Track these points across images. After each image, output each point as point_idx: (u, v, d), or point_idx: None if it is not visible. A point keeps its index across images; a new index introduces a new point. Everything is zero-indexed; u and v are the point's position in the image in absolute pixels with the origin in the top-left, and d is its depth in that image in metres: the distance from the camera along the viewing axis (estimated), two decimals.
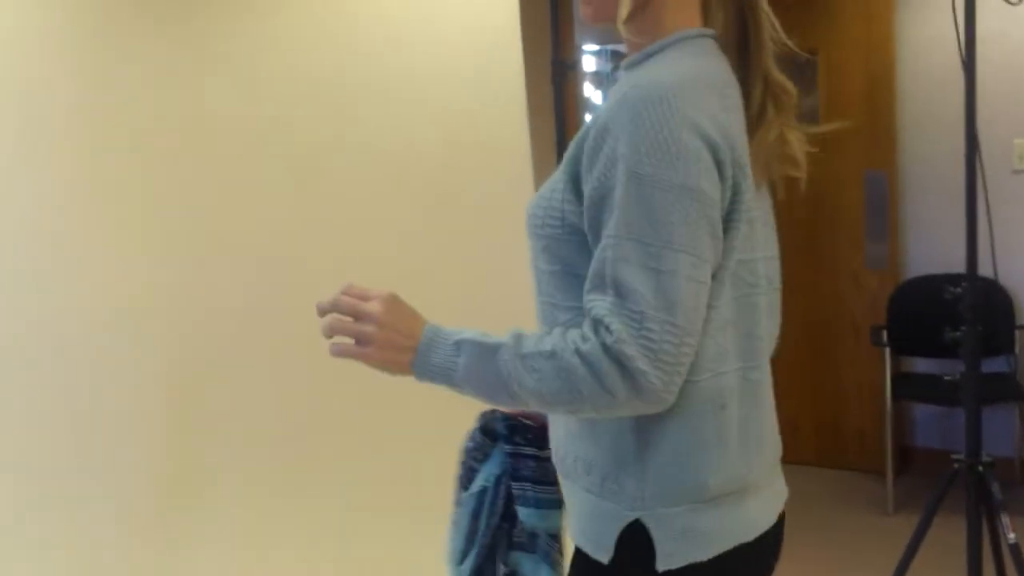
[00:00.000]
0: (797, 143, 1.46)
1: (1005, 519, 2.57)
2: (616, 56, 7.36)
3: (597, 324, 1.26)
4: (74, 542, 2.69)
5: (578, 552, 1.44)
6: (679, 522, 1.35)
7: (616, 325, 1.24)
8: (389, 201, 2.95)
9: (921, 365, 4.79)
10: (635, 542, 1.36)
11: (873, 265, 4.83)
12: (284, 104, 2.90)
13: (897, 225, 4.86)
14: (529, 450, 1.66)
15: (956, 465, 2.69)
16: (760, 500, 1.43)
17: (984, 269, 2.68)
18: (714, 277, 1.32)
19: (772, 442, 1.48)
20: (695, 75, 1.34)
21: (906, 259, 4.87)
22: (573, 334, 1.28)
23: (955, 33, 2.62)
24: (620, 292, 1.25)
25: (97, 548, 2.70)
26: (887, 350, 4.51)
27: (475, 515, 1.68)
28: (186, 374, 2.83)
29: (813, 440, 4.87)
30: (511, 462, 1.65)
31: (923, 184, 4.77)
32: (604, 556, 1.38)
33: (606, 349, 1.24)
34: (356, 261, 2.89)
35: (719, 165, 1.29)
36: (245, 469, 2.84)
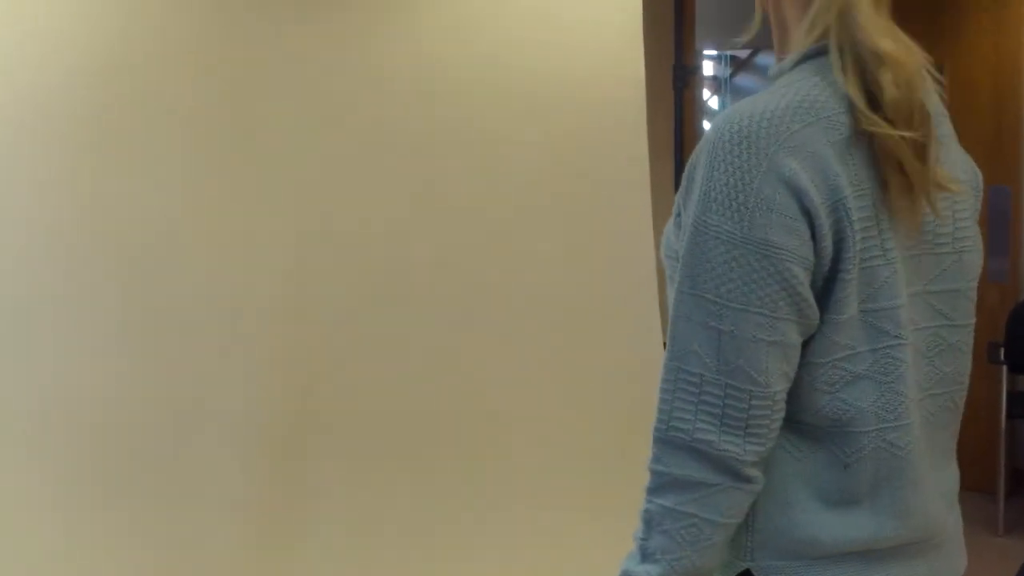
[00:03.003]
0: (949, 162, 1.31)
1: None
2: (735, 61, 7.31)
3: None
4: (189, 540, 2.74)
5: None
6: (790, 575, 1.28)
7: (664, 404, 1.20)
8: (507, 204, 2.96)
9: None
10: None
11: (994, 279, 4.73)
12: (407, 105, 2.91)
13: (1020, 240, 4.76)
14: None
15: None
16: (899, 568, 1.31)
17: None
18: (821, 332, 1.23)
19: (923, 513, 1.32)
20: (798, 103, 1.23)
21: None
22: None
23: None
24: (677, 354, 1.21)
25: (206, 546, 2.74)
26: (1004, 368, 4.42)
27: None
28: (300, 374, 2.87)
29: None
30: None
31: None
32: None
33: (659, 439, 1.21)
34: (472, 264, 2.92)
35: (807, 214, 1.19)
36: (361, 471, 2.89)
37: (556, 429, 2.87)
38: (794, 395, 1.26)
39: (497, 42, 2.97)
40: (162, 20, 2.76)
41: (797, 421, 1.27)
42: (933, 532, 1.35)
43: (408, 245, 2.90)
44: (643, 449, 1.26)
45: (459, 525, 2.89)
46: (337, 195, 2.89)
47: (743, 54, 6.86)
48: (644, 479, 1.27)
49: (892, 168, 1.23)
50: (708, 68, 6.41)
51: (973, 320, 1.40)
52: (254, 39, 2.84)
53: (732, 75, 6.99)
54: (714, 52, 6.59)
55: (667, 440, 1.21)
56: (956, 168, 1.35)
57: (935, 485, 1.35)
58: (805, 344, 1.23)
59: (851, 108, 1.23)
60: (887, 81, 1.23)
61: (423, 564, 2.86)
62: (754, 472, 1.21)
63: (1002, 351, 4.48)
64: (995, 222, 4.74)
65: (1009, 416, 4.43)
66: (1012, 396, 4.49)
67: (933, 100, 1.33)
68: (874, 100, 1.23)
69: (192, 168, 2.79)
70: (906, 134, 1.22)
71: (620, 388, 2.83)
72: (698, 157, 1.24)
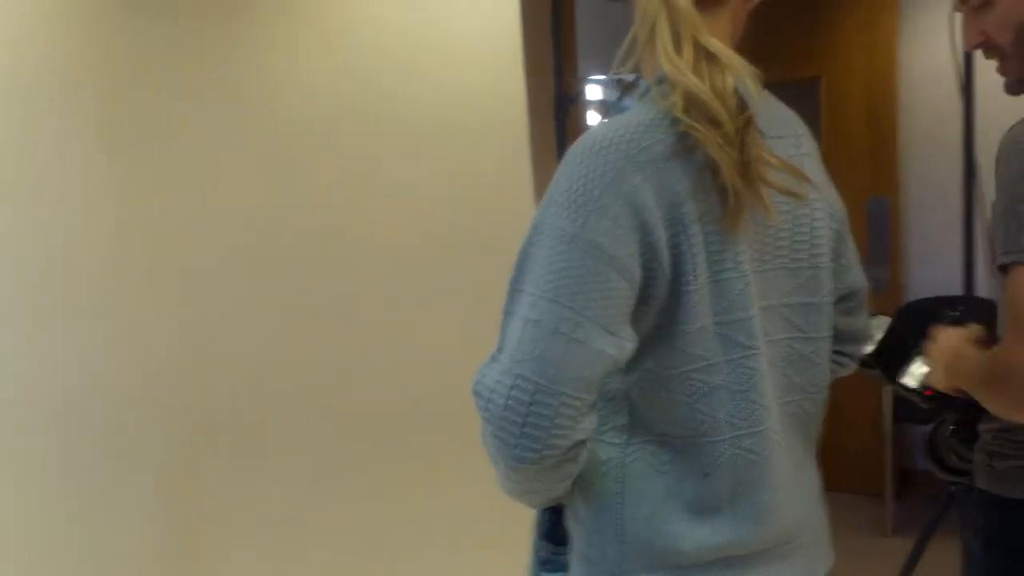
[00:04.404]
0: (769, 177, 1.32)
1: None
2: (621, 85, 7.43)
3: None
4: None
5: None
6: None
7: (485, 380, 1.23)
8: (389, 236, 2.96)
9: None
10: None
11: (875, 288, 4.88)
12: (288, 143, 2.91)
13: (899, 249, 4.92)
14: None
15: (952, 487, 2.72)
16: (764, 571, 1.37)
17: (983, 291, 2.73)
18: (672, 339, 1.27)
19: (785, 514, 1.38)
20: (650, 121, 1.28)
21: (908, 283, 4.93)
22: None
23: (954, 62, 2.68)
24: (499, 343, 1.24)
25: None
26: None
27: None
28: (197, 378, 2.85)
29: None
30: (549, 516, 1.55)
31: (924, 209, 4.83)
32: None
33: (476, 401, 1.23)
34: (353, 294, 2.93)
35: (643, 229, 1.23)
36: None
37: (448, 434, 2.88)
38: (653, 408, 1.30)
39: (373, 72, 2.96)
40: (47, 29, 2.73)
41: (658, 434, 1.31)
42: (796, 533, 1.40)
43: (287, 257, 2.89)
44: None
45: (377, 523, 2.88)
46: (218, 202, 2.86)
47: (630, 77, 6.99)
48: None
49: (717, 173, 1.27)
50: (597, 92, 6.49)
51: (828, 333, 1.46)
52: (132, 46, 2.81)
53: (619, 98, 7.10)
54: (602, 77, 6.69)
55: (483, 398, 1.23)
56: (807, 182, 1.39)
57: (796, 488, 1.41)
58: (659, 355, 1.27)
59: (673, 118, 1.27)
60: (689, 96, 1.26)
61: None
62: (523, 469, 1.21)
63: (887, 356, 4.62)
64: (874, 232, 4.89)
65: (895, 420, 4.56)
66: (898, 400, 4.62)
67: (775, 116, 1.40)
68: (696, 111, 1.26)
69: (66, 174, 2.79)
70: (717, 136, 1.25)
71: None
72: (556, 171, 1.28)
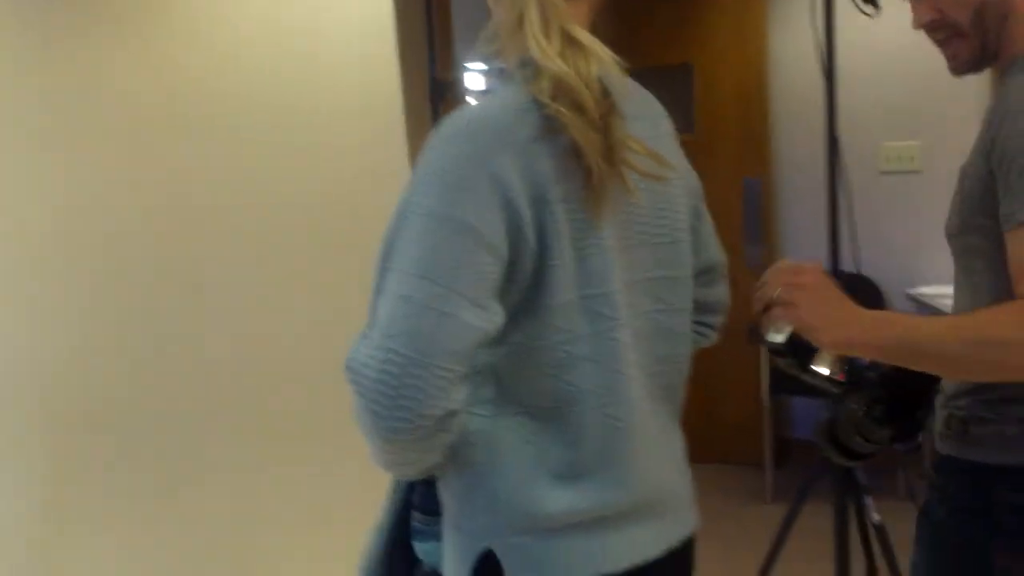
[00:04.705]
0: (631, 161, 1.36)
1: (869, 501, 2.74)
2: (503, 72, 7.46)
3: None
4: None
5: None
6: (528, 551, 1.35)
7: (357, 356, 1.24)
8: (261, 224, 2.91)
9: None
10: (489, 574, 1.35)
11: (751, 265, 5.03)
12: (156, 127, 2.84)
13: (773, 228, 5.09)
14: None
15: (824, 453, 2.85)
16: (632, 532, 1.41)
17: (850, 266, 2.85)
18: (538, 313, 1.30)
19: (650, 477, 1.43)
20: (509, 106, 1.31)
21: (782, 259, 5.09)
22: None
23: (816, 45, 2.79)
24: (369, 321, 1.25)
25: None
26: (763, 347, 4.70)
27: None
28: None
29: (694, 436, 5.03)
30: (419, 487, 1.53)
31: (795, 189, 5.01)
32: None
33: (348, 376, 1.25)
34: (231, 284, 2.88)
35: (509, 207, 1.26)
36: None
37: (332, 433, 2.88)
38: (520, 381, 1.34)
39: (251, 57, 2.91)
40: None
41: (525, 405, 1.35)
42: (662, 497, 1.46)
43: (159, 251, 2.83)
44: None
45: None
46: (82, 198, 2.77)
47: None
48: None
49: (581, 156, 1.31)
50: (479, 82, 6.51)
51: (689, 306, 1.52)
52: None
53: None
54: (482, 65, 6.71)
55: (354, 372, 1.24)
56: (668, 165, 1.42)
57: (661, 454, 1.47)
58: (526, 328, 1.31)
59: (538, 102, 1.29)
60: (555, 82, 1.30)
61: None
62: (396, 440, 1.23)
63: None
64: (749, 212, 5.04)
65: (772, 392, 4.72)
66: (774, 373, 4.78)
67: (635, 99, 1.43)
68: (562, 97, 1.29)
69: None
70: (580, 119, 1.29)
71: None
72: (421, 153, 1.31)
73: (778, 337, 1.52)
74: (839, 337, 1.45)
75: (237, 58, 2.89)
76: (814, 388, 1.62)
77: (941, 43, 1.62)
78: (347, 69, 2.96)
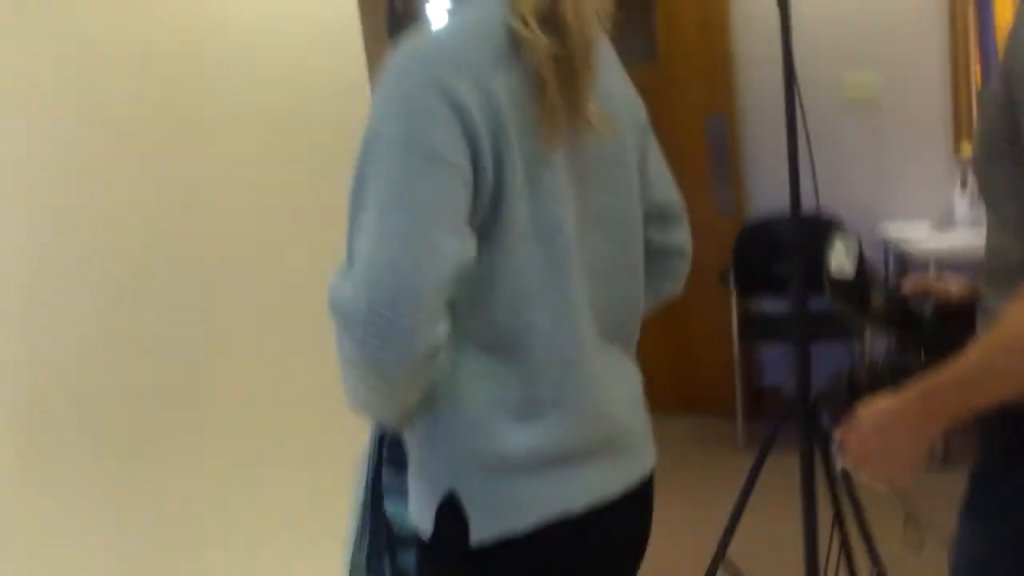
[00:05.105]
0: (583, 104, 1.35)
1: (835, 448, 2.64)
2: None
3: None
4: None
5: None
6: (489, 490, 1.34)
7: (341, 294, 1.25)
8: (224, 165, 2.81)
9: (768, 306, 4.91)
10: (452, 518, 1.35)
11: (723, 211, 4.91)
12: (109, 70, 2.76)
13: (740, 169, 4.95)
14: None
15: (789, 399, 2.75)
16: (592, 470, 1.41)
17: (810, 206, 2.75)
18: (493, 244, 1.29)
19: (606, 414, 1.43)
20: (462, 30, 1.30)
21: (750, 203, 4.97)
22: None
23: None
24: (348, 257, 1.26)
25: None
26: (733, 292, 4.60)
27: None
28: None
29: (667, 386, 4.95)
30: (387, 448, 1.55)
31: (761, 128, 4.87)
32: (425, 534, 1.38)
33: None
34: (201, 230, 2.80)
35: (468, 134, 1.24)
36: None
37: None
38: (476, 316, 1.33)
39: (210, 11, 2.79)
40: None
41: (481, 342, 1.34)
42: (620, 433, 1.46)
43: (128, 230, 2.75)
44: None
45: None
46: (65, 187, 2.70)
47: None
48: None
49: (542, 84, 1.30)
50: (441, 14, 6.41)
51: (642, 246, 1.50)
52: None
53: None
54: None
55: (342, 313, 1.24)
56: (612, 101, 1.42)
57: (617, 391, 1.49)
58: (482, 260, 1.29)
59: (512, 23, 1.28)
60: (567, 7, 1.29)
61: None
62: (388, 373, 1.23)
63: (731, 276, 4.66)
64: (714, 152, 4.91)
65: (742, 340, 4.62)
66: (744, 320, 4.68)
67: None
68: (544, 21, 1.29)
69: None
70: (559, 51, 1.29)
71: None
72: (377, 84, 1.28)
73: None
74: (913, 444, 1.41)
75: (192, 16, 2.80)
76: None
77: None
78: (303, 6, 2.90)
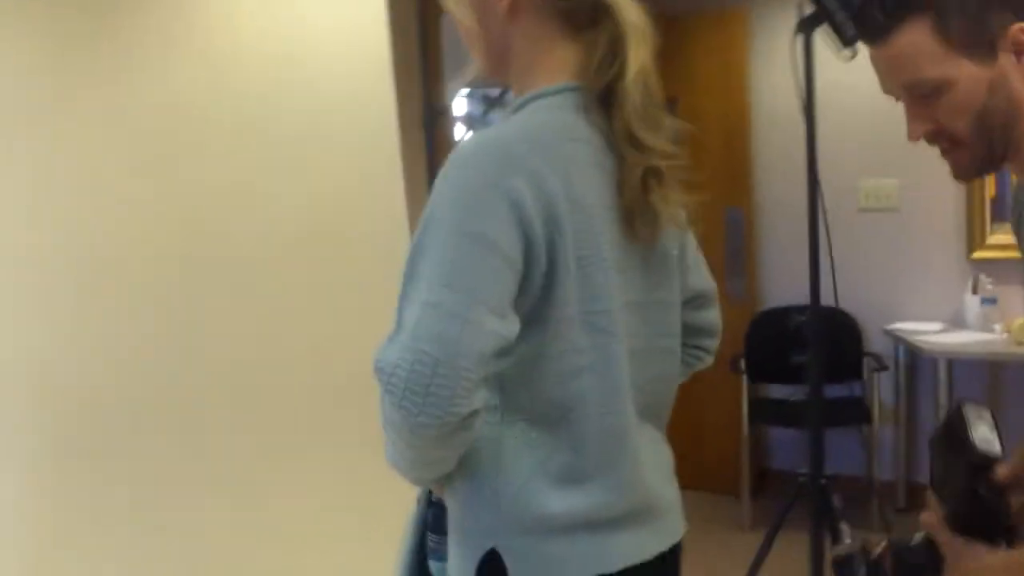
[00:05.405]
0: (672, 201, 1.51)
1: (844, 527, 2.80)
2: (487, 99, 7.51)
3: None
4: None
5: None
6: (531, 550, 1.41)
7: (386, 357, 1.30)
8: (260, 249, 2.95)
9: (776, 391, 5.07)
10: (492, 574, 1.42)
11: (733, 296, 5.10)
12: (156, 148, 2.87)
13: (754, 260, 5.16)
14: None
15: (800, 480, 2.92)
16: (628, 535, 1.48)
17: (829, 300, 2.93)
18: (544, 325, 1.39)
19: (644, 484, 1.51)
20: (524, 133, 1.40)
21: (762, 292, 5.17)
22: None
23: (795, 83, 2.87)
24: (396, 326, 1.33)
25: None
26: (744, 378, 4.78)
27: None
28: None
29: (677, 464, 5.07)
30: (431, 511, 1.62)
31: (776, 222, 5.08)
32: None
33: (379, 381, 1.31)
34: (223, 303, 2.91)
35: (522, 223, 1.34)
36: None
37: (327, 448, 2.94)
38: (525, 389, 1.42)
39: (248, 78, 2.96)
40: None
41: (529, 412, 1.43)
42: (655, 502, 1.55)
43: (155, 265, 2.86)
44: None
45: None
46: (85, 210, 2.81)
47: (495, 92, 7.08)
48: None
49: (636, 192, 1.45)
50: (462, 106, 6.57)
51: (679, 329, 1.61)
52: None
53: (485, 112, 7.20)
54: (467, 90, 6.78)
55: (386, 375, 1.30)
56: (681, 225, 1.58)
57: (653, 463, 1.56)
58: (532, 339, 1.39)
59: (607, 137, 1.45)
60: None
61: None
62: (424, 435, 1.30)
63: (742, 362, 4.85)
64: (731, 243, 5.13)
65: (751, 422, 4.78)
66: (753, 404, 4.84)
67: None
68: (634, 138, 1.47)
69: None
70: (659, 163, 1.49)
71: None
72: (440, 174, 1.39)
73: None
74: None
75: (235, 78, 2.93)
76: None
77: (943, 152, 1.49)
78: (345, 97, 3.01)
